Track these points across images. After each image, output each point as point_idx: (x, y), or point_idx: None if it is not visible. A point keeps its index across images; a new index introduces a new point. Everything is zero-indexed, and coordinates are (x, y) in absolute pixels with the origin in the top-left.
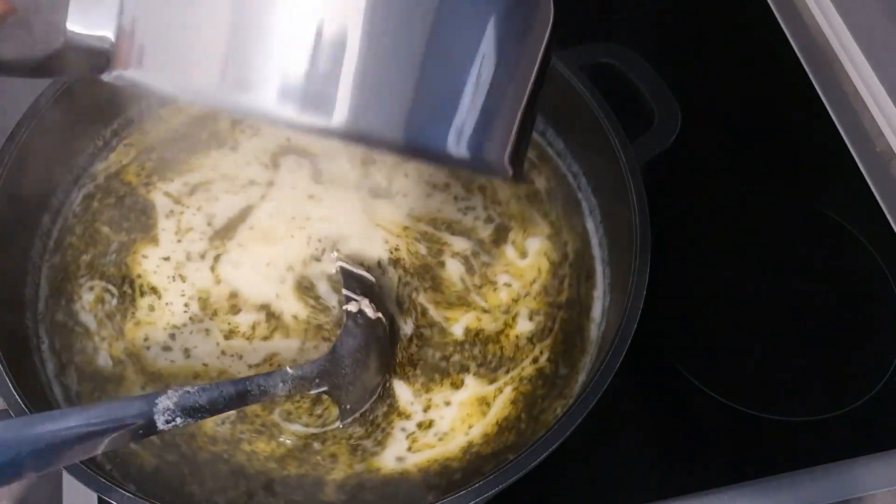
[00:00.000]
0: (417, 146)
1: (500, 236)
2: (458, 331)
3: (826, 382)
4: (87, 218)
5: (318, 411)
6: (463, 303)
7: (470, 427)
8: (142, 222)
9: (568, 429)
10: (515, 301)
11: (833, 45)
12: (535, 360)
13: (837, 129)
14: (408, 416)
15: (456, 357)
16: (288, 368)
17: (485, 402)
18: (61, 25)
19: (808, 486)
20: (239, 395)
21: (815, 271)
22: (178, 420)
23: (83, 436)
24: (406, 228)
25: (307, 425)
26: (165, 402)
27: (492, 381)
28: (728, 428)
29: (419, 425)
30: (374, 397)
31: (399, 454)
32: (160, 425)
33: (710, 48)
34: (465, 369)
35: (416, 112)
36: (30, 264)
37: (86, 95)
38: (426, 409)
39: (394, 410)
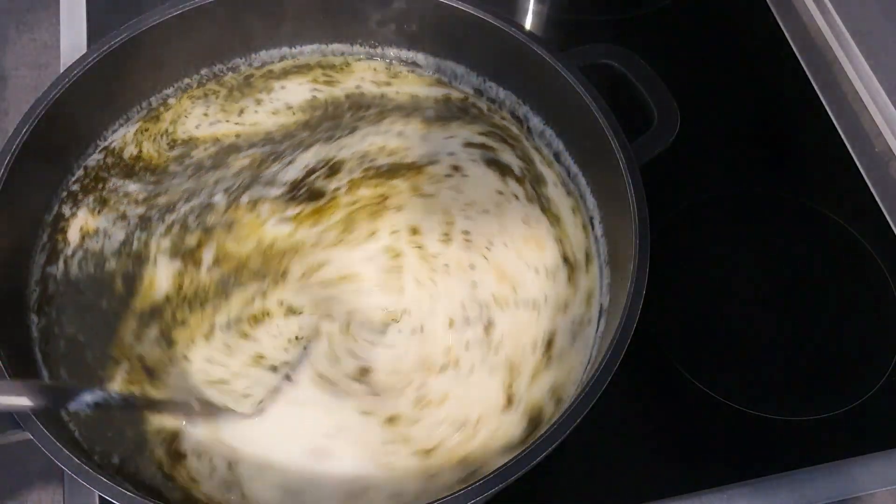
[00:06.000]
0: None
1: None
2: None
3: (825, 382)
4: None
5: None
6: None
7: None
8: None
9: (567, 428)
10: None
11: (832, 46)
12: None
13: (837, 130)
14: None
15: None
16: None
17: None
18: None
19: (807, 486)
20: None
21: (813, 271)
22: None
23: None
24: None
25: None
26: None
27: None
28: (727, 428)
29: None
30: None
31: None
32: None
33: (710, 48)
34: None
35: None
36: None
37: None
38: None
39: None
